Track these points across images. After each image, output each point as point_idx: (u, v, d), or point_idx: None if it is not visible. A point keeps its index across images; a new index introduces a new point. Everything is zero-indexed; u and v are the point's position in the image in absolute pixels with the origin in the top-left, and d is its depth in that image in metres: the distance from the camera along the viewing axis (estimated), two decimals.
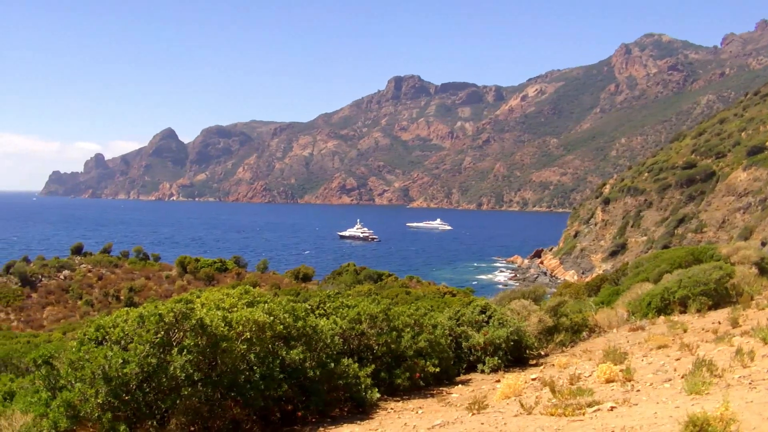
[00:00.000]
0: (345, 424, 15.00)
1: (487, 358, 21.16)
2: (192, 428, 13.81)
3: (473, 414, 13.95)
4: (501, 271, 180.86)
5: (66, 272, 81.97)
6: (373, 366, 17.17)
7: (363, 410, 16.29)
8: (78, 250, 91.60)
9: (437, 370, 18.97)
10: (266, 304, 15.99)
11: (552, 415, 12.29)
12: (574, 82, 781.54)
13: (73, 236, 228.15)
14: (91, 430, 12.67)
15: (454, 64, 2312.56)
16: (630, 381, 14.74)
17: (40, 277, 79.75)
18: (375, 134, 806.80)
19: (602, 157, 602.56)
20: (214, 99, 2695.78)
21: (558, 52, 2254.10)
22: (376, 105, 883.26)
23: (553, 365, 20.15)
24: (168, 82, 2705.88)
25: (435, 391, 18.65)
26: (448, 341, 21.09)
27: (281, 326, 15.34)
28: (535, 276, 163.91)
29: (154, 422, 13.26)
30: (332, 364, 15.94)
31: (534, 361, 22.23)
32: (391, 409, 16.58)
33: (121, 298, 71.64)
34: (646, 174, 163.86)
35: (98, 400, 12.53)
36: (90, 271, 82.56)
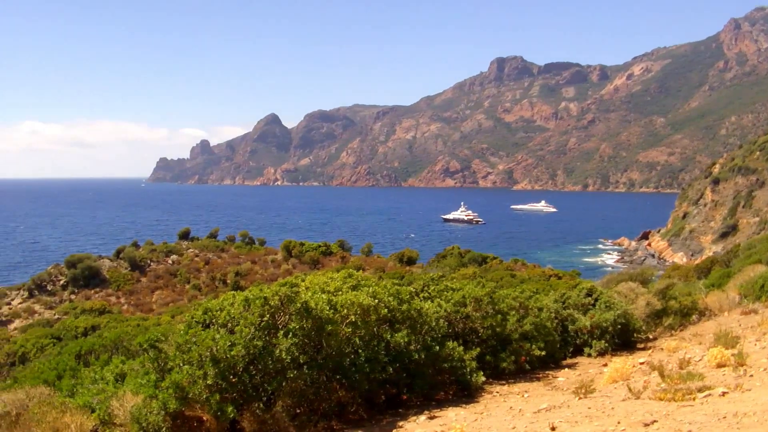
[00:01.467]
0: (450, 408, 14.96)
1: (594, 341, 20.86)
2: (298, 410, 13.93)
3: (580, 398, 13.77)
4: (607, 254, 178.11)
5: (174, 257, 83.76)
6: (478, 349, 17.07)
7: (468, 393, 16.23)
8: (185, 235, 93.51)
9: (543, 353, 18.78)
10: (371, 288, 16.02)
11: (661, 399, 12.05)
12: (681, 59, 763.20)
13: (180, 221, 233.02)
14: (200, 411, 12.87)
15: (558, 44, 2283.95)
16: (742, 366, 14.31)
17: (149, 261, 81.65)
18: (478, 116, 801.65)
19: (711, 136, 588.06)
20: (316, 84, 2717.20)
21: (664, 29, 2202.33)
22: (478, 87, 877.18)
23: (662, 349, 19.78)
24: (272, 68, 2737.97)
25: (541, 375, 18.48)
26: (554, 324, 20.84)
27: (386, 309, 15.35)
28: (643, 258, 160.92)
29: (261, 404, 13.40)
30: (437, 347, 15.90)
31: (642, 345, 21.85)
32: (497, 392, 16.49)
33: (228, 282, 72.81)
34: (758, 153, 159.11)
35: (206, 382, 12.72)
36: (197, 256, 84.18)
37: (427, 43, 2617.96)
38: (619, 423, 11.00)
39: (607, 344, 20.64)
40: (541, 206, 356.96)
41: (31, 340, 46.83)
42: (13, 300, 73.31)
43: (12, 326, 66.23)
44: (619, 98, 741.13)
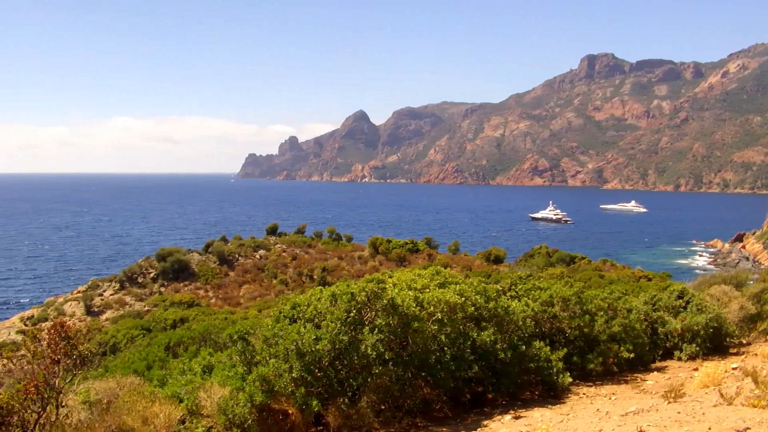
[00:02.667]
0: (536, 408, 14.82)
1: (685, 345, 20.42)
2: (382, 406, 13.93)
3: (669, 402, 13.50)
4: (699, 256, 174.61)
5: (262, 252, 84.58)
6: (565, 350, 16.90)
7: (554, 394, 16.06)
8: (273, 231, 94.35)
9: (631, 355, 18.46)
10: (457, 285, 15.95)
11: (754, 406, 11.74)
12: None
13: (268, 217, 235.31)
14: (285, 404, 12.94)
15: (650, 41, 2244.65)
16: None
17: (237, 256, 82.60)
18: (567, 114, 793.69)
19: None
20: (405, 81, 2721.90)
21: (762, 25, 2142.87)
22: (568, 84, 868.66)
23: (756, 354, 19.29)
24: (361, 65, 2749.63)
25: (629, 378, 18.18)
26: (643, 326, 20.46)
27: (472, 307, 15.28)
28: (737, 261, 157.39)
29: (346, 399, 13.44)
30: (523, 347, 15.78)
31: (734, 350, 21.32)
32: (583, 394, 16.28)
33: (315, 277, 73.21)
34: None
35: (292, 376, 12.80)
36: (284, 251, 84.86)
37: (517, 40, 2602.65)
38: (710, 429, 10.75)
39: (698, 348, 20.18)
40: (632, 206, 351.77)
41: (122, 331, 47.74)
42: (105, 291, 74.87)
43: (104, 317, 67.65)
44: (713, 96, 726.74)
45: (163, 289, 74.46)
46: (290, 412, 13.00)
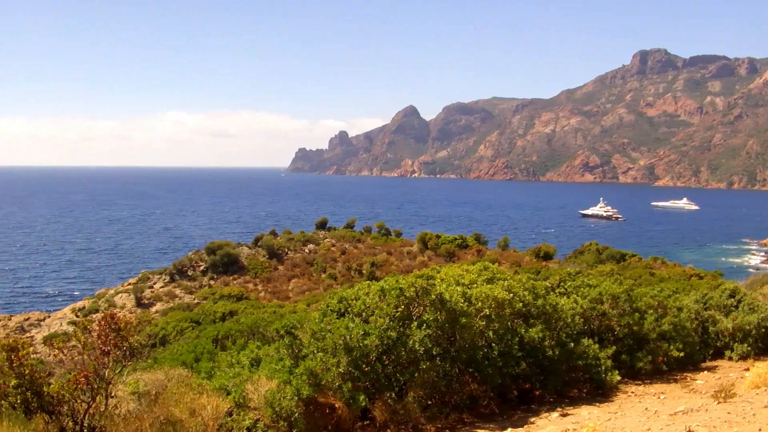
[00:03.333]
0: (583, 405, 14.73)
1: (736, 344, 20.16)
2: (429, 402, 13.92)
3: (719, 402, 13.33)
4: (753, 254, 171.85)
5: (311, 246, 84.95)
6: (614, 347, 16.77)
7: (602, 392, 15.94)
8: (323, 225, 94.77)
9: (681, 354, 18.25)
10: (506, 281, 15.89)
11: None
12: None
13: (318, 211, 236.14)
14: (332, 398, 12.97)
15: (704, 36, 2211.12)
16: None
17: (286, 250, 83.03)
18: (619, 110, 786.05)
19: None
20: (455, 76, 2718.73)
21: None
22: (620, 80, 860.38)
23: None
24: (411, 60, 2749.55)
25: (678, 377, 17.99)
26: (694, 325, 20.21)
27: (520, 304, 15.21)
28: None
29: (393, 394, 13.44)
30: (572, 344, 15.69)
31: None
32: (632, 392, 16.14)
33: (363, 272, 73.36)
34: None
35: (339, 370, 12.82)
36: (334, 246, 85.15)
37: (569, 35, 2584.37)
38: (760, 430, 10.60)
39: (749, 348, 19.92)
40: (683, 203, 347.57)
41: (172, 323, 48.18)
42: (155, 284, 75.66)
43: (154, 309, 68.38)
44: None
45: (212, 282, 75.08)
46: (337, 406, 13.04)
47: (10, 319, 70.84)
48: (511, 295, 15.03)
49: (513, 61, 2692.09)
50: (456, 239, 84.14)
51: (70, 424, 13.31)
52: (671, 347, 18.12)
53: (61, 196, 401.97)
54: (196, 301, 68.09)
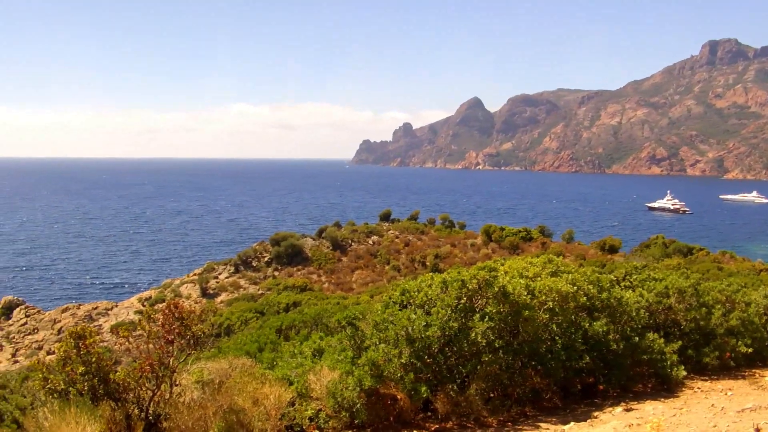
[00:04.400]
0: (647, 401, 14.54)
1: None
2: (491, 394, 13.87)
3: None
4: None
5: (374, 238, 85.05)
6: (679, 342, 16.52)
7: (667, 387, 15.73)
8: (386, 217, 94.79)
9: (749, 350, 17.93)
10: (570, 274, 15.74)
11: None
12: None
13: (381, 203, 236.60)
14: (394, 389, 12.99)
15: None
16: None
17: (350, 241, 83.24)
18: (687, 102, 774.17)
19: None
20: (520, 68, 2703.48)
21: None
22: (688, 71, 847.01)
23: None
24: (475, 51, 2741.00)
25: (746, 373, 17.68)
26: (763, 321, 19.84)
27: (585, 297, 15.06)
28: None
29: (455, 386, 13.42)
30: (636, 338, 15.49)
31: None
32: (698, 388, 15.90)
33: (427, 264, 73.23)
34: None
35: (401, 361, 12.84)
36: (397, 237, 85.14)
37: (636, 25, 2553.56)
38: None
39: None
40: (753, 197, 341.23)
41: (236, 313, 48.63)
42: (220, 274, 76.39)
43: (219, 299, 69.05)
44: None
45: (276, 273, 75.57)
46: (399, 397, 13.05)
47: (78, 308, 72.11)
48: (575, 288, 14.88)
49: (579, 53, 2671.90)
50: (520, 231, 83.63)
51: (136, 411, 13.51)
52: (739, 343, 17.81)
53: (128, 187, 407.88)
54: (260, 291, 68.60)
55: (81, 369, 13.24)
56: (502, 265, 17.30)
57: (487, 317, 13.31)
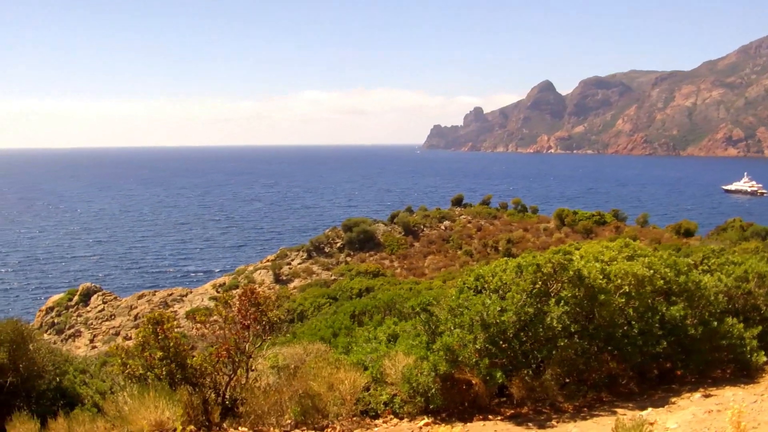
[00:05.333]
0: (727, 387, 14.29)
1: None
2: (567, 380, 13.77)
3: None
4: None
5: (447, 223, 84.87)
6: (759, 327, 16.16)
7: (747, 374, 15.42)
8: (458, 202, 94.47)
9: None
10: (647, 258, 15.52)
11: None
12: None
13: (453, 188, 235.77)
14: (468, 375, 12.96)
15: None
16: None
17: (422, 227, 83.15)
18: (765, 81, 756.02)
19: None
20: (592, 50, 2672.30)
21: None
22: (765, 50, 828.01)
23: None
24: (546, 34, 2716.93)
25: None
26: None
27: (662, 281, 14.83)
28: None
29: (530, 371, 13.35)
30: (715, 323, 15.20)
31: None
32: None
33: (499, 249, 72.89)
34: None
35: (476, 346, 12.80)
36: (469, 222, 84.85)
37: (711, 3, 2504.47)
38: None
39: None
40: None
41: (309, 299, 48.98)
42: (293, 260, 76.92)
43: (291, 285, 69.56)
44: None
45: (349, 259, 75.86)
46: (474, 382, 13.02)
47: (154, 294, 73.27)
48: (652, 271, 14.67)
49: (652, 33, 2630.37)
50: (593, 215, 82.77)
51: (212, 395, 13.67)
52: None
53: (201, 175, 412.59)
54: (333, 277, 68.95)
55: (159, 354, 13.45)
56: (578, 249, 17.14)
57: (562, 302, 13.20)
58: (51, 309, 74.01)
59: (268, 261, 79.05)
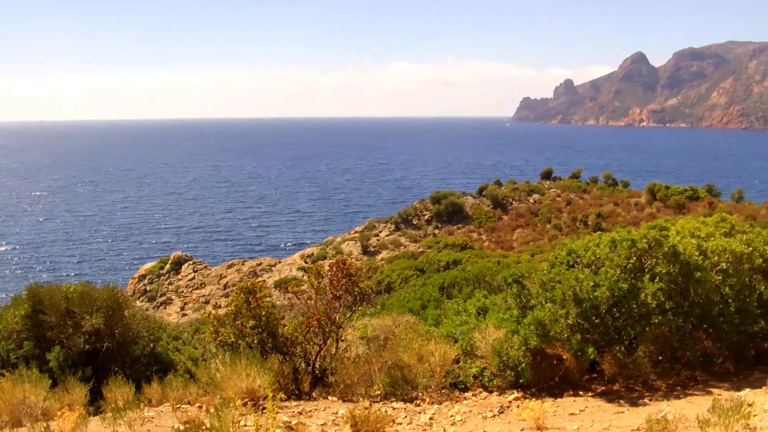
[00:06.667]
0: None
1: None
2: (660, 357, 13.56)
3: None
4: None
5: (535, 196, 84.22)
6: None
7: None
8: (548, 175, 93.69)
9: None
10: (745, 234, 15.13)
11: None
12: None
13: (543, 161, 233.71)
14: (559, 350, 12.84)
15: None
16: None
17: (510, 200, 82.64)
18: None
19: None
20: (687, 19, 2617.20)
21: None
22: None
23: None
24: (639, 4, 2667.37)
25: None
26: None
27: (760, 259, 14.44)
28: None
29: (622, 348, 13.18)
30: None
31: None
32: None
33: (589, 223, 72.12)
34: None
35: (568, 321, 12.66)
36: (559, 196, 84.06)
37: None
38: None
39: None
40: None
41: (396, 271, 49.10)
42: (381, 232, 77.15)
43: (379, 257, 69.81)
44: None
45: (436, 231, 75.79)
46: (565, 357, 12.90)
47: (243, 264, 74.26)
48: (751, 248, 14.30)
49: (750, 1, 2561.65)
50: (686, 190, 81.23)
51: (303, 365, 13.82)
52: None
53: (291, 147, 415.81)
54: (420, 249, 69.00)
55: (251, 323, 13.62)
56: (673, 224, 16.78)
57: (657, 278, 12.96)
58: (143, 277, 75.62)
59: (356, 232, 79.45)
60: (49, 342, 15.19)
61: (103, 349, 15.26)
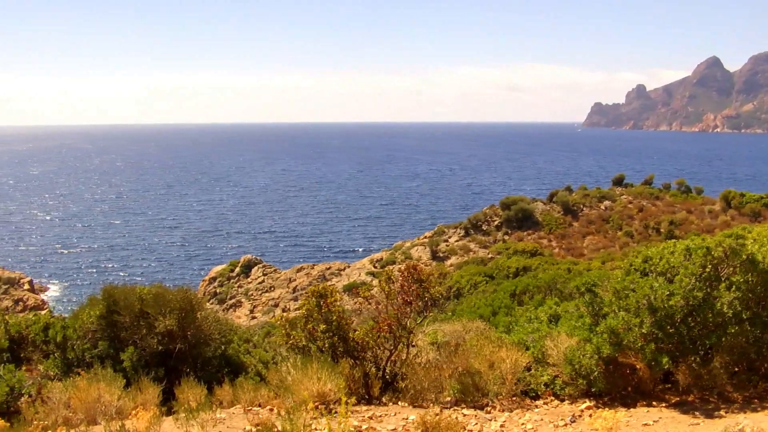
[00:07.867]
0: None
1: None
2: (737, 368, 13.32)
3: None
4: None
5: (607, 203, 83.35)
6: None
7: None
8: (619, 181, 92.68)
9: None
10: None
11: None
12: None
13: (614, 167, 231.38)
14: (633, 359, 12.69)
15: None
16: None
17: (581, 206, 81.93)
18: None
19: None
20: (764, 22, 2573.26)
21: None
22: None
23: None
24: (714, 7, 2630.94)
25: None
26: None
27: None
28: None
29: (697, 358, 12.96)
30: None
31: None
32: None
33: (661, 230, 71.22)
34: None
35: (642, 330, 12.50)
36: (630, 203, 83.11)
37: None
38: None
39: None
40: None
41: (465, 277, 49.02)
42: (450, 237, 77.00)
43: (448, 262, 69.68)
44: None
45: (506, 237, 75.45)
46: (638, 367, 12.74)
47: (312, 268, 74.79)
48: None
49: None
50: (763, 198, 79.70)
51: (373, 369, 13.82)
52: None
53: (359, 151, 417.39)
54: (489, 255, 68.73)
55: (322, 327, 13.70)
56: (749, 232, 16.49)
57: (733, 287, 12.73)
58: (214, 279, 76.59)
59: (425, 237, 79.41)
60: (123, 342, 15.46)
61: (175, 350, 15.47)
